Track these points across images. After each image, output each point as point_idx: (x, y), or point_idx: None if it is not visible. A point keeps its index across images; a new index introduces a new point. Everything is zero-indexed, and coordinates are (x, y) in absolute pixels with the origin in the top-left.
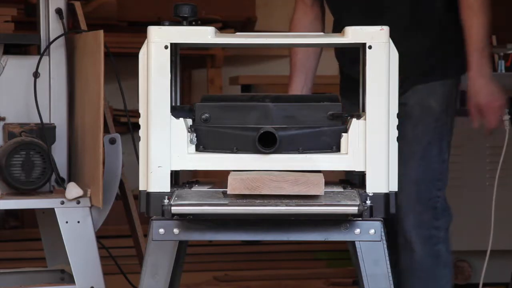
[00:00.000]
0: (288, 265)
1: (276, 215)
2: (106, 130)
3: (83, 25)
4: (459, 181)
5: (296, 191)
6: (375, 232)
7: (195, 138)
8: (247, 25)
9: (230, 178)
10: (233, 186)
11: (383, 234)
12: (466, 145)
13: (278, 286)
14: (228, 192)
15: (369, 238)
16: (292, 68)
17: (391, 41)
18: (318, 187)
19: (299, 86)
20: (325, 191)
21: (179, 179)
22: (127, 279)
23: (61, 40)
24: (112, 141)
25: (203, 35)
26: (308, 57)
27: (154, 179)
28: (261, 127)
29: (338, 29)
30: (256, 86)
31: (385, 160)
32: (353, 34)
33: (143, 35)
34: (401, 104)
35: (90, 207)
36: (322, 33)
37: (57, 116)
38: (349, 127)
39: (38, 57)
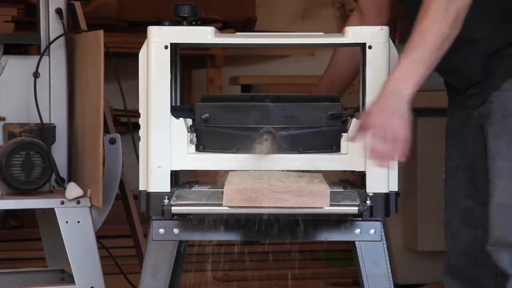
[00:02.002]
0: (288, 265)
1: (276, 216)
2: (106, 130)
3: (83, 25)
4: None
5: (299, 203)
6: (375, 232)
7: (195, 138)
8: (247, 25)
9: (226, 188)
10: (230, 197)
11: (383, 234)
12: None
13: (278, 286)
14: (224, 204)
15: (369, 238)
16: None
17: (391, 41)
18: (323, 199)
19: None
20: None
21: (179, 179)
22: (127, 279)
23: (61, 40)
24: (112, 141)
25: (203, 35)
26: (339, 65)
27: (154, 179)
28: (261, 127)
29: None
30: (256, 86)
31: None
32: (353, 34)
33: (143, 35)
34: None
35: (90, 207)
36: (322, 33)
37: (57, 116)
38: (349, 127)
39: (38, 57)
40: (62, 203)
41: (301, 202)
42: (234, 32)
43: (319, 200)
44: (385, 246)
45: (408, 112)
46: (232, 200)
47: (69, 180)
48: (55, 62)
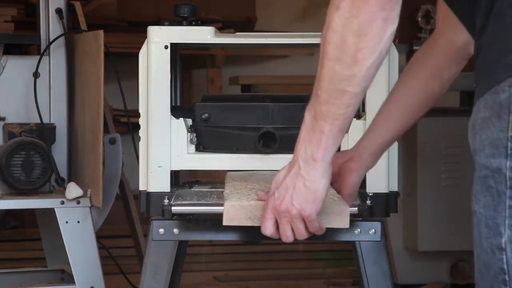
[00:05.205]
0: (288, 265)
1: None
2: (106, 130)
3: (83, 25)
4: (459, 181)
5: None
6: (375, 232)
7: (195, 138)
8: (247, 25)
9: (227, 204)
10: (231, 215)
11: (383, 234)
12: (466, 145)
13: (278, 286)
14: (224, 223)
15: (369, 238)
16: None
17: None
18: (342, 218)
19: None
20: None
21: (179, 179)
22: (127, 279)
23: (61, 40)
24: (112, 141)
25: (203, 35)
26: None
27: (154, 179)
28: (261, 127)
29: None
30: (256, 86)
31: (385, 160)
32: None
33: (143, 35)
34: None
35: (90, 207)
36: (321, 33)
37: (57, 116)
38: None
39: (38, 57)
40: (62, 203)
41: None
42: (234, 32)
43: (337, 219)
44: (385, 246)
45: (318, 181)
46: (233, 219)
47: (69, 180)
48: (55, 62)
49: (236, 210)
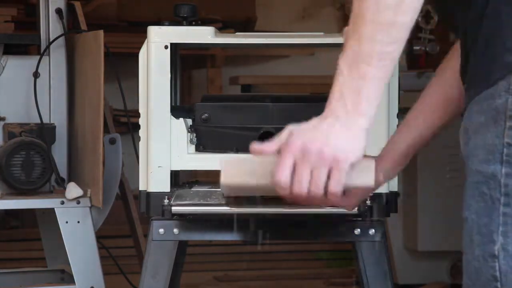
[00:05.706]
0: (288, 265)
1: (276, 216)
2: (106, 130)
3: (83, 25)
4: (459, 181)
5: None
6: (375, 232)
7: (195, 138)
8: (247, 25)
9: (223, 161)
10: (229, 172)
11: (383, 234)
12: None
13: (278, 286)
14: (221, 182)
15: (369, 238)
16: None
17: None
18: (365, 175)
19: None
20: None
21: (179, 179)
22: (127, 279)
23: (61, 40)
24: (112, 141)
25: (203, 35)
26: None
27: (154, 179)
28: (261, 127)
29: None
30: (256, 86)
31: None
32: None
33: (143, 35)
34: None
35: (90, 207)
36: (322, 33)
37: (57, 116)
38: None
39: (38, 57)
40: (62, 203)
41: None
42: (234, 32)
43: (361, 177)
44: (385, 246)
45: (359, 131)
46: (233, 176)
47: (69, 180)
48: (55, 62)
49: (233, 165)
